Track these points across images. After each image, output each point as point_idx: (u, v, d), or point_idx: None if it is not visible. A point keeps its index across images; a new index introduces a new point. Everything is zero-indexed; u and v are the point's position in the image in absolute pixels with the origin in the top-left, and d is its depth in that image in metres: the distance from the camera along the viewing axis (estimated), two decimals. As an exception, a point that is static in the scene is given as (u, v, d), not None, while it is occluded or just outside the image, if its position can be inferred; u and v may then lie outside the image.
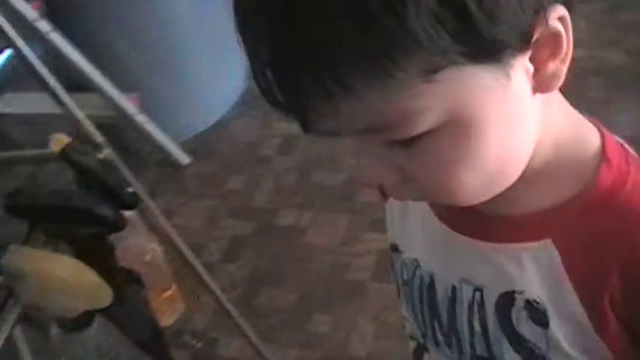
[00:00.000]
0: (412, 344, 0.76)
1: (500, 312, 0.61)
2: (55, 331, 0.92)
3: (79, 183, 0.97)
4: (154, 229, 1.25)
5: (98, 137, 1.06)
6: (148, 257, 1.11)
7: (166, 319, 1.77)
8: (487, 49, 0.47)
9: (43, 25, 1.06)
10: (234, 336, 1.91)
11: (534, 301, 0.58)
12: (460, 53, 0.46)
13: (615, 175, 0.57)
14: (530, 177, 0.56)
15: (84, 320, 0.89)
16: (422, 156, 0.51)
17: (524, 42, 0.49)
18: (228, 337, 1.91)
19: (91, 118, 2.10)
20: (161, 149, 2.36)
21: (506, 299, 0.60)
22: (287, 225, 2.17)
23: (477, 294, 0.62)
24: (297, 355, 1.84)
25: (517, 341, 0.61)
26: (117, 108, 2.15)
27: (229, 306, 1.47)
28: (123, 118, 2.19)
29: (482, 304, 0.62)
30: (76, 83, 2.12)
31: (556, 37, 0.50)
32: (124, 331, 0.96)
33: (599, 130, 0.60)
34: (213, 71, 2.49)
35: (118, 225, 0.92)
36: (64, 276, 0.84)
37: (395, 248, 0.73)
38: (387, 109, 0.47)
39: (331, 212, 2.18)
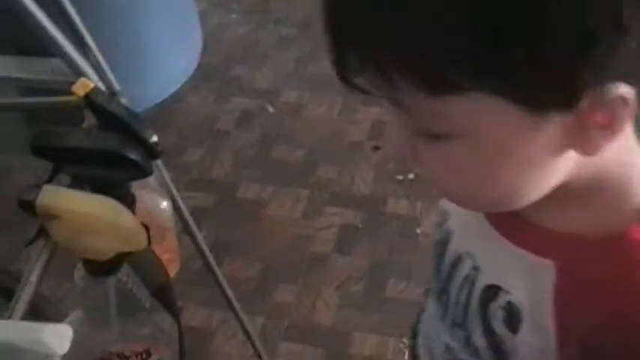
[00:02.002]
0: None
1: (483, 300, 0.63)
2: (78, 275, 0.91)
3: (102, 129, 0.96)
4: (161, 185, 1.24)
5: (116, 84, 1.05)
6: (157, 212, 1.10)
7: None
8: (532, 98, 0.47)
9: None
10: (199, 304, 1.92)
11: (515, 305, 0.60)
12: (508, 93, 0.47)
13: None
14: (554, 199, 0.55)
15: (113, 264, 0.89)
16: (436, 153, 0.53)
17: (566, 104, 0.48)
18: (192, 306, 1.91)
19: (51, 83, 2.05)
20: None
21: (491, 291, 0.62)
22: (248, 198, 2.19)
23: (473, 272, 0.65)
24: (263, 323, 1.87)
25: (488, 330, 0.63)
26: (78, 75, 2.10)
27: (222, 279, 1.48)
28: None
29: (474, 282, 0.64)
30: (31, 47, 2.06)
31: (609, 112, 0.49)
32: (144, 278, 0.96)
33: None
34: (171, 42, 2.47)
35: (147, 170, 0.92)
36: (103, 215, 0.83)
37: None
38: (414, 101, 0.49)
39: (291, 187, 2.21)
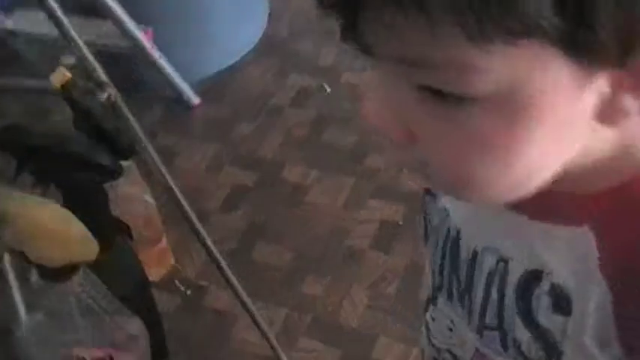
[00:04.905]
0: (427, 293, 0.72)
1: (521, 291, 0.57)
2: (35, 278, 0.87)
3: (77, 124, 0.91)
4: (149, 174, 1.18)
5: (102, 75, 0.99)
6: (141, 208, 1.05)
7: (155, 273, 1.72)
8: (584, 40, 0.40)
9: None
10: (224, 287, 1.88)
11: (560, 285, 0.54)
12: (555, 29, 0.39)
13: None
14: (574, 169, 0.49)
15: (66, 271, 0.85)
16: (452, 125, 0.44)
17: (620, 57, 0.41)
18: (218, 288, 1.88)
19: (102, 46, 2.03)
20: (171, 87, 2.29)
21: (530, 278, 0.56)
22: (291, 180, 2.12)
23: (501, 264, 0.58)
24: (286, 315, 1.81)
25: (531, 324, 0.57)
26: (131, 39, 2.07)
27: (219, 257, 1.42)
28: (135, 50, 2.11)
29: (504, 276, 0.58)
30: (88, 8, 2.04)
31: None
32: (109, 284, 0.91)
33: None
34: (234, 13, 2.41)
35: (114, 174, 0.87)
36: (51, 226, 0.79)
37: (428, 191, 0.68)
38: (450, 51, 0.40)
39: (337, 173, 2.12)
